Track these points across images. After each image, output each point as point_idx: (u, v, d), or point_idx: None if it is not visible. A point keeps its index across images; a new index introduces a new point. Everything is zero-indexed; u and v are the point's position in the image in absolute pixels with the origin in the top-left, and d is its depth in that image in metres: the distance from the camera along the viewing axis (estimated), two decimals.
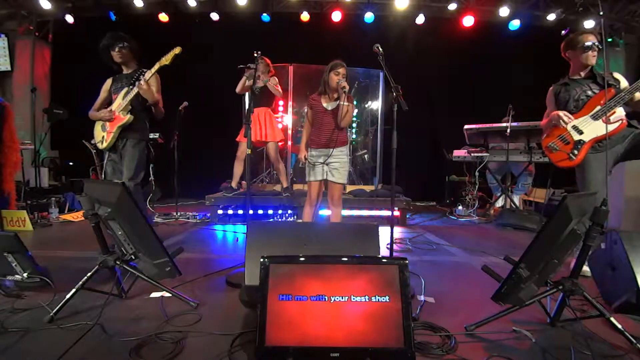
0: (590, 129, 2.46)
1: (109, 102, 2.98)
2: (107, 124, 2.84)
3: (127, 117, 2.78)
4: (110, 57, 2.86)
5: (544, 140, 2.68)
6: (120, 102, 2.83)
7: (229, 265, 2.58)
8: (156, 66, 2.74)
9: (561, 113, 2.50)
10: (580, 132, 2.49)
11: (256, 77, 3.51)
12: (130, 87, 2.79)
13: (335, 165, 2.88)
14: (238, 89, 4.08)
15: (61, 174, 6.32)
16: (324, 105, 2.87)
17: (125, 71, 2.94)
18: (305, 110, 3.09)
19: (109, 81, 2.99)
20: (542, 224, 1.76)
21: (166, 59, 2.73)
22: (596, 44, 2.47)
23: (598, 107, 2.45)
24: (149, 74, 2.74)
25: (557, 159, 2.60)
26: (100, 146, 2.93)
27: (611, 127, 2.38)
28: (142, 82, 2.72)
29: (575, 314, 1.64)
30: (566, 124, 2.49)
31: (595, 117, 2.45)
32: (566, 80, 2.66)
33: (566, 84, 2.63)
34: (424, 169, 6.72)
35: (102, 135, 2.88)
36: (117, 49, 2.82)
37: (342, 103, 2.73)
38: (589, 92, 2.52)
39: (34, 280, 1.86)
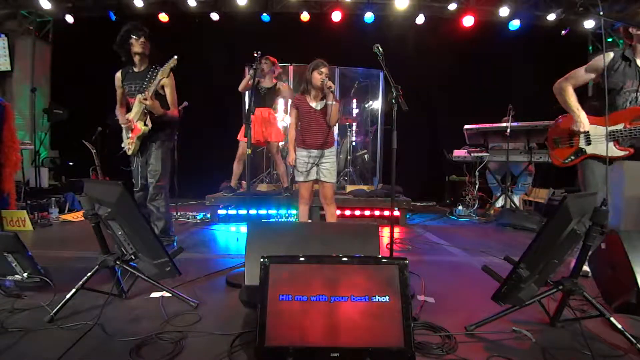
0: (598, 147, 2.33)
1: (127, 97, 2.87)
2: (130, 131, 2.80)
3: (143, 129, 2.71)
4: (127, 46, 2.68)
5: (554, 129, 2.54)
6: (136, 109, 2.73)
7: (229, 265, 2.58)
8: (155, 82, 2.63)
9: (583, 128, 2.31)
10: (588, 142, 2.38)
11: (257, 76, 3.51)
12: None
13: (326, 166, 2.90)
14: (241, 87, 4.09)
15: (61, 174, 6.31)
16: (311, 105, 2.86)
17: (137, 68, 2.80)
18: (290, 110, 3.08)
19: (118, 75, 2.87)
20: (542, 224, 1.75)
21: (163, 73, 2.62)
22: None
23: (621, 126, 2.23)
24: (148, 92, 2.61)
25: (553, 156, 2.59)
26: (128, 152, 2.90)
27: (617, 153, 2.29)
28: (145, 96, 2.60)
29: (575, 314, 1.64)
30: (582, 133, 2.36)
31: (611, 137, 2.27)
32: (632, 55, 2.22)
33: (629, 60, 2.21)
34: (424, 169, 6.72)
35: (127, 142, 2.85)
36: (142, 38, 2.65)
37: (330, 102, 2.74)
38: None
39: (34, 280, 1.86)
